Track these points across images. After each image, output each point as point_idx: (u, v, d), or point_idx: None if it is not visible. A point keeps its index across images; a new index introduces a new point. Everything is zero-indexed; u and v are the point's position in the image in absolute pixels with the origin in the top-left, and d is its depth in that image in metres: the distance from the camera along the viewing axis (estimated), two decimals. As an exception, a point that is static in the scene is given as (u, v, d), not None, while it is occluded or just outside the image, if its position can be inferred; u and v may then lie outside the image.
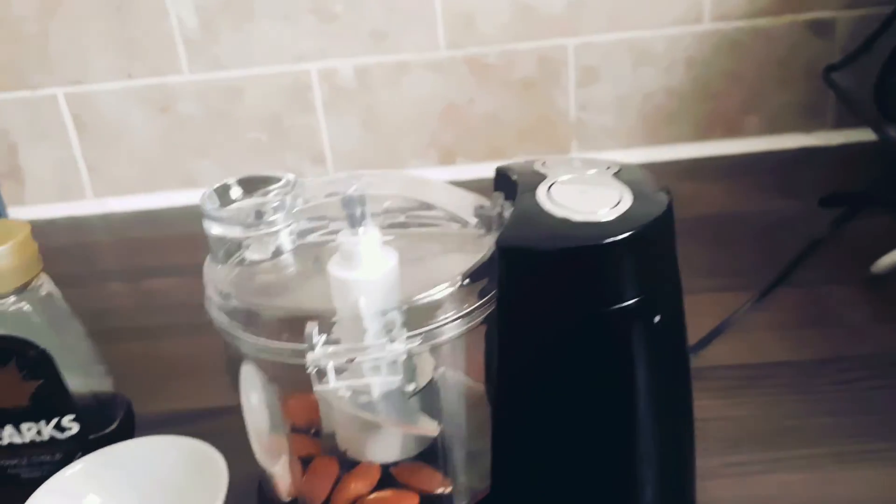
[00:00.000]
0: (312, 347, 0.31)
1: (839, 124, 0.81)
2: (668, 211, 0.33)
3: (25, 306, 0.43)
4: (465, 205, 0.38)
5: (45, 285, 0.45)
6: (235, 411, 0.44)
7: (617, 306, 0.31)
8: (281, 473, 0.38)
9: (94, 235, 0.80)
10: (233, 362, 0.37)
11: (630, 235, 0.31)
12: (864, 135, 0.74)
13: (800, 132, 0.82)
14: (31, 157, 0.82)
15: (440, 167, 0.83)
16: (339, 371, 0.31)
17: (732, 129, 0.81)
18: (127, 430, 0.48)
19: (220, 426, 0.43)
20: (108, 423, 0.47)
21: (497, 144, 0.82)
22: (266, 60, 0.79)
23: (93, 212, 0.83)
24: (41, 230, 0.48)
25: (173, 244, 0.75)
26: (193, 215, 0.89)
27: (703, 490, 0.40)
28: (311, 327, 0.31)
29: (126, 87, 0.80)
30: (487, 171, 0.39)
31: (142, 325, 0.62)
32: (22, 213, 0.83)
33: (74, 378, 0.44)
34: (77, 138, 0.82)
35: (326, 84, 0.80)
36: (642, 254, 0.32)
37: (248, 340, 0.33)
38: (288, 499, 0.39)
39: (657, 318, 0.33)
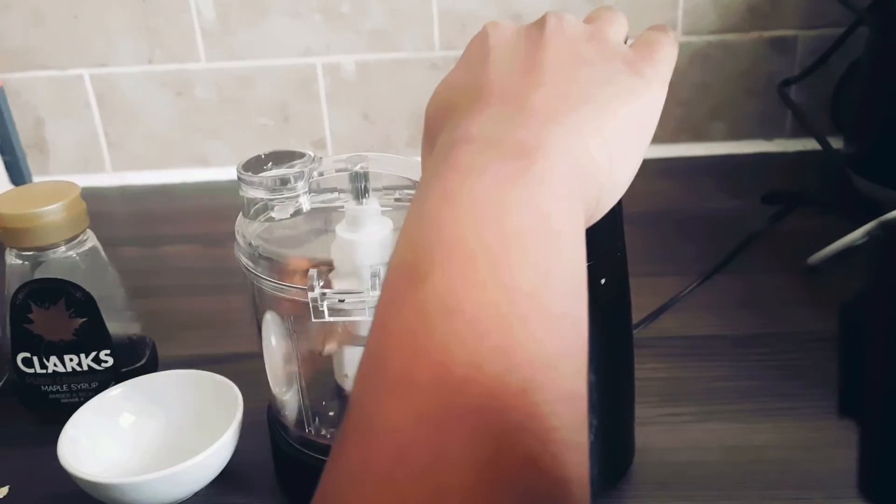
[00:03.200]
0: (312, 288, 0.38)
1: (796, 133, 0.89)
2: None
3: (74, 255, 0.51)
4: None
5: (90, 240, 0.52)
6: (242, 357, 0.52)
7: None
8: (290, 398, 0.46)
9: (112, 205, 0.87)
10: (257, 310, 0.44)
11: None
12: (816, 143, 0.82)
13: (761, 139, 0.90)
14: (56, 132, 0.89)
15: (431, 157, 0.90)
16: (332, 309, 0.39)
17: (699, 134, 0.89)
18: (153, 366, 0.55)
19: (231, 367, 0.51)
20: (137, 359, 0.54)
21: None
22: (276, 53, 0.86)
23: (111, 184, 0.91)
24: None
25: (185, 216, 0.83)
26: (204, 191, 0.96)
27: (642, 434, 0.48)
28: (313, 273, 0.39)
29: (146, 72, 0.87)
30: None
31: (158, 284, 0.70)
32: (45, 182, 0.90)
33: (110, 319, 0.52)
34: (99, 116, 0.89)
35: (330, 77, 0.87)
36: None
37: (267, 281, 0.41)
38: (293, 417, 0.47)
39: (602, 280, 0.41)
